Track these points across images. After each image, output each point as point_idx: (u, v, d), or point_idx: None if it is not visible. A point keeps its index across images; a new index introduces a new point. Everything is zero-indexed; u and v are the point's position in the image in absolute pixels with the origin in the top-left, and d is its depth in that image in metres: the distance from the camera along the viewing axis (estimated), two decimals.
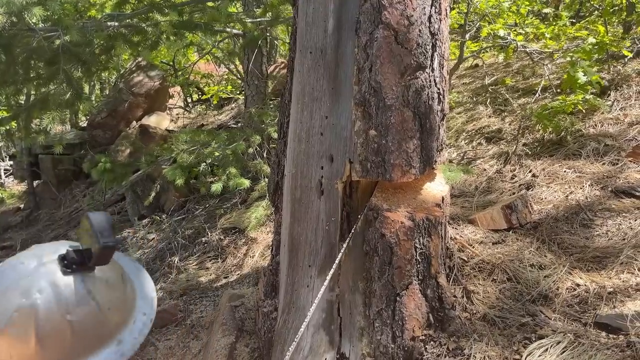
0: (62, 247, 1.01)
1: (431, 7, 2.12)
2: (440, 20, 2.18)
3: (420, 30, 2.07)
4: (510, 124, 4.53)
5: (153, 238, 5.04)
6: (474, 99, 5.42)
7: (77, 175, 8.35)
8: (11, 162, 10.87)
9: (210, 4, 4.76)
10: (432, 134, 2.18)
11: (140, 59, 7.91)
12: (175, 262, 4.18)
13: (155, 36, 3.65)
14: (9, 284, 0.93)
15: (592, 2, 6.29)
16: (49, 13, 3.05)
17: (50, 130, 5.00)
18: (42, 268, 0.95)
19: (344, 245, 2.09)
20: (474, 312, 2.26)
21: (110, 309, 1.00)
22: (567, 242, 2.63)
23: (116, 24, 3.70)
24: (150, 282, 1.16)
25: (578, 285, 2.32)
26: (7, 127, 4.59)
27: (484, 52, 5.91)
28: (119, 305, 1.03)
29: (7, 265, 0.98)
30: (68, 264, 0.97)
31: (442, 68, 2.24)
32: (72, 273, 0.96)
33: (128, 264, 1.18)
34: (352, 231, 2.15)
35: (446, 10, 2.25)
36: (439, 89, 2.20)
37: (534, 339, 2.05)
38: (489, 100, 5.12)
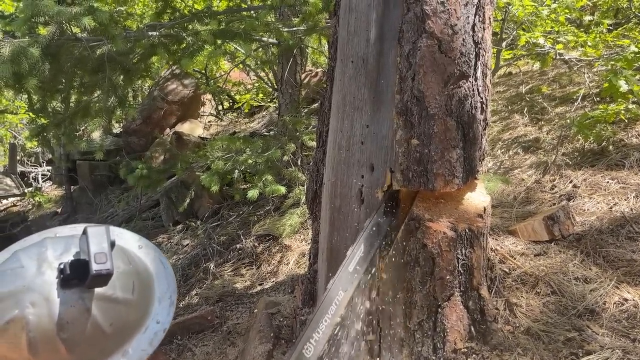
0: (67, 250, 0.95)
1: (475, 16, 2.10)
2: (484, 29, 2.16)
3: (464, 39, 2.06)
4: (548, 133, 4.44)
5: (187, 244, 5.11)
6: (509, 107, 5.34)
7: (113, 181, 8.53)
8: (49, 168, 11.18)
9: (245, 13, 4.83)
10: (475, 143, 2.16)
11: (175, 67, 8.07)
12: (211, 268, 4.22)
13: (195, 45, 3.72)
14: (4, 291, 0.89)
15: (633, 10, 6.14)
16: (95, 24, 3.15)
17: (89, 137, 5.13)
18: (39, 278, 0.90)
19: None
20: (517, 325, 2.22)
21: (114, 325, 0.93)
22: (613, 255, 2.55)
23: (156, 33, 3.79)
24: (173, 283, 1.08)
25: (626, 299, 2.25)
26: (45, 134, 4.72)
27: (518, 60, 5.83)
28: (125, 318, 0.96)
29: (11, 262, 0.94)
30: (66, 277, 0.90)
31: (485, 77, 2.22)
32: (69, 288, 0.90)
33: (151, 256, 1.10)
34: (393, 241, 2.14)
35: (489, 18, 2.23)
36: (482, 98, 2.18)
37: (581, 355, 1.99)
38: (525, 108, 5.04)
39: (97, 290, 0.92)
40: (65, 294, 0.90)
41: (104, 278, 0.90)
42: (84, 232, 0.92)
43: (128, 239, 1.09)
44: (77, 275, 0.90)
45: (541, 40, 4.45)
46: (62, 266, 0.91)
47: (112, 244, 0.93)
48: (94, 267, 0.88)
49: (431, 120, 2.04)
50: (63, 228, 1.07)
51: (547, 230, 2.80)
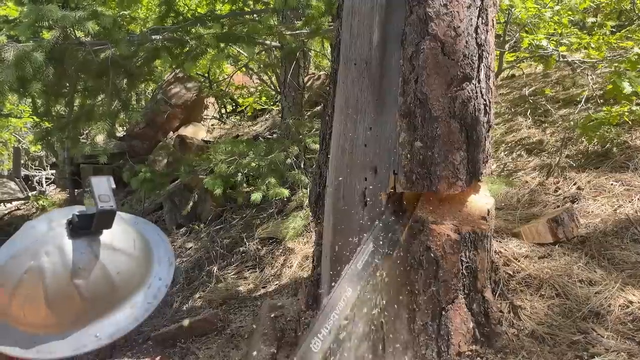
0: (72, 211, 1.05)
1: (478, 18, 2.10)
2: (487, 31, 2.16)
3: (467, 42, 2.06)
4: (551, 135, 4.44)
5: (191, 247, 5.11)
6: (513, 109, 5.33)
7: (116, 185, 8.52)
8: (53, 171, 11.21)
9: (248, 16, 4.84)
10: (479, 145, 2.15)
11: (178, 70, 8.09)
12: (214, 271, 4.22)
13: (198, 48, 3.73)
14: (20, 248, 0.98)
15: (636, 12, 6.13)
16: (98, 28, 3.17)
17: (93, 141, 5.15)
18: (50, 232, 0.99)
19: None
20: (522, 328, 2.21)
21: (120, 273, 1.02)
22: (618, 257, 2.54)
23: (160, 37, 3.80)
24: (169, 249, 1.19)
25: (631, 302, 2.24)
26: (49, 138, 4.74)
27: (521, 62, 5.82)
28: (130, 270, 1.05)
29: (24, 228, 1.04)
30: (74, 228, 1.00)
31: (489, 79, 2.22)
32: (78, 237, 1.00)
33: (149, 230, 1.21)
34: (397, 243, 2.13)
35: (492, 20, 2.23)
36: (485, 100, 2.18)
37: (586, 358, 1.99)
38: (528, 111, 5.03)
39: (103, 240, 1.02)
40: (76, 242, 0.99)
41: (108, 215, 1.00)
42: (89, 180, 1.04)
43: (127, 218, 1.21)
44: (85, 226, 1.00)
45: (544, 43, 4.45)
46: (70, 218, 1.02)
47: (113, 191, 1.04)
48: (99, 204, 0.98)
49: (434, 122, 2.04)
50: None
51: (552, 233, 2.79)
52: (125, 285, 1.03)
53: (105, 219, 1.00)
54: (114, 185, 1.05)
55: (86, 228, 1.00)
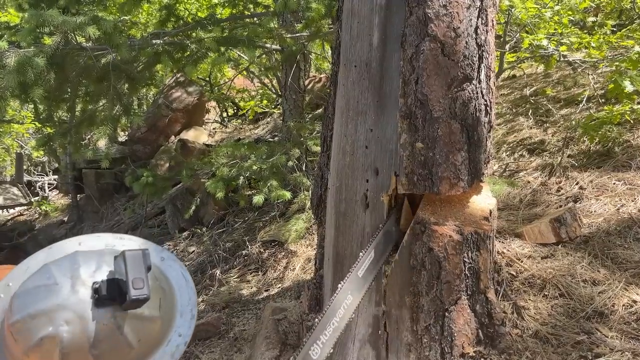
0: (100, 268, 0.97)
1: (477, 19, 2.10)
2: (487, 31, 2.16)
3: (467, 42, 2.06)
4: (553, 135, 4.43)
5: (193, 251, 5.12)
6: (514, 110, 5.33)
7: (118, 189, 8.58)
8: (55, 177, 11.25)
9: (248, 20, 4.86)
10: (480, 146, 2.15)
11: (179, 75, 8.11)
12: (217, 274, 4.22)
13: (199, 52, 3.74)
14: (39, 308, 0.91)
15: (637, 10, 6.13)
16: (99, 33, 3.18)
17: (95, 146, 5.17)
18: (73, 297, 0.92)
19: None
20: (525, 328, 2.20)
21: (141, 340, 0.96)
22: (621, 256, 2.53)
23: (160, 41, 3.81)
24: (193, 296, 1.11)
25: (635, 301, 2.23)
26: (52, 144, 4.75)
27: (522, 62, 5.82)
28: (152, 336, 0.99)
29: (41, 276, 0.95)
30: (100, 297, 0.93)
31: (489, 79, 2.21)
32: (103, 306, 0.92)
33: (174, 270, 1.12)
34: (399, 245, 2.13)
35: (492, 21, 2.23)
36: (486, 100, 2.17)
37: (590, 358, 1.98)
38: (530, 111, 5.03)
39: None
40: (99, 312, 0.92)
41: (140, 303, 0.93)
42: (122, 256, 0.94)
43: (152, 252, 1.09)
44: (112, 295, 0.92)
45: (545, 43, 4.44)
46: (96, 285, 0.93)
47: (148, 268, 0.95)
48: (132, 292, 0.90)
49: (435, 123, 2.03)
50: (88, 238, 1.08)
51: (554, 233, 2.78)
52: (143, 348, 0.97)
53: (136, 305, 0.93)
54: (149, 262, 0.96)
55: (112, 297, 0.93)
